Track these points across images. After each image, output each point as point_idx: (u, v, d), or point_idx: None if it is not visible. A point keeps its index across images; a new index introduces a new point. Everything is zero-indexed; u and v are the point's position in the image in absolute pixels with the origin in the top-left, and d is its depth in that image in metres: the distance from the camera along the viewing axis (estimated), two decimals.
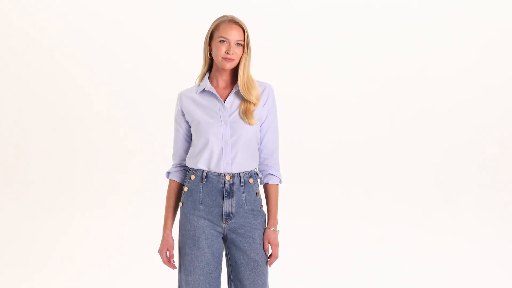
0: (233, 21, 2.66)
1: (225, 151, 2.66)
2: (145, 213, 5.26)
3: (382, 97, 5.54)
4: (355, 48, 5.53)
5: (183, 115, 2.74)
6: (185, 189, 2.71)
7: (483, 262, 4.86)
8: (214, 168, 2.67)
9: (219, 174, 2.66)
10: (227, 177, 2.67)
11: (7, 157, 5.53)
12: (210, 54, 2.72)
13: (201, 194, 2.67)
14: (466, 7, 5.54)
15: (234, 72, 2.75)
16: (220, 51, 2.64)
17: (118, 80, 5.50)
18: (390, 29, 5.54)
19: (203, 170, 2.67)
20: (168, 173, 2.81)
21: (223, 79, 2.74)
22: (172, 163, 2.84)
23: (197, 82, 2.79)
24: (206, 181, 2.66)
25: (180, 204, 2.73)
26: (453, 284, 4.54)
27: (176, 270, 2.81)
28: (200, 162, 2.67)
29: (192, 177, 2.68)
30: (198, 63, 2.84)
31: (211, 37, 2.69)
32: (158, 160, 5.49)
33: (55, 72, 5.52)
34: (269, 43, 5.43)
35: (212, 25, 2.70)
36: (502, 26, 5.54)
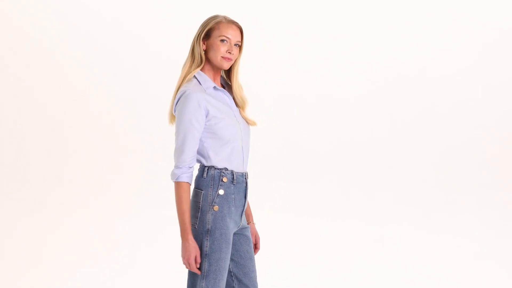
0: (233, 22, 2.66)
1: (244, 151, 2.67)
2: (144, 213, 5.26)
3: (382, 97, 5.54)
4: (355, 48, 5.53)
5: (207, 114, 2.60)
6: (221, 192, 2.61)
7: (483, 262, 4.86)
8: (240, 168, 2.67)
9: (242, 174, 2.67)
10: (246, 176, 2.69)
11: (7, 157, 5.52)
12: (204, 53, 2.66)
13: (233, 196, 2.64)
14: (466, 7, 5.53)
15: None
16: (220, 51, 2.61)
17: (118, 80, 5.50)
18: (390, 29, 5.54)
19: (232, 171, 2.64)
20: (179, 175, 2.56)
21: (217, 79, 2.71)
22: (180, 164, 2.58)
23: (189, 81, 2.63)
24: (236, 183, 2.64)
25: (216, 208, 2.60)
26: (453, 284, 4.54)
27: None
28: (233, 163, 2.63)
29: (225, 179, 2.61)
30: None
31: (207, 36, 2.65)
32: (158, 160, 5.49)
33: (55, 72, 5.51)
34: (269, 43, 5.43)
35: (207, 24, 2.65)
36: (502, 26, 5.54)
